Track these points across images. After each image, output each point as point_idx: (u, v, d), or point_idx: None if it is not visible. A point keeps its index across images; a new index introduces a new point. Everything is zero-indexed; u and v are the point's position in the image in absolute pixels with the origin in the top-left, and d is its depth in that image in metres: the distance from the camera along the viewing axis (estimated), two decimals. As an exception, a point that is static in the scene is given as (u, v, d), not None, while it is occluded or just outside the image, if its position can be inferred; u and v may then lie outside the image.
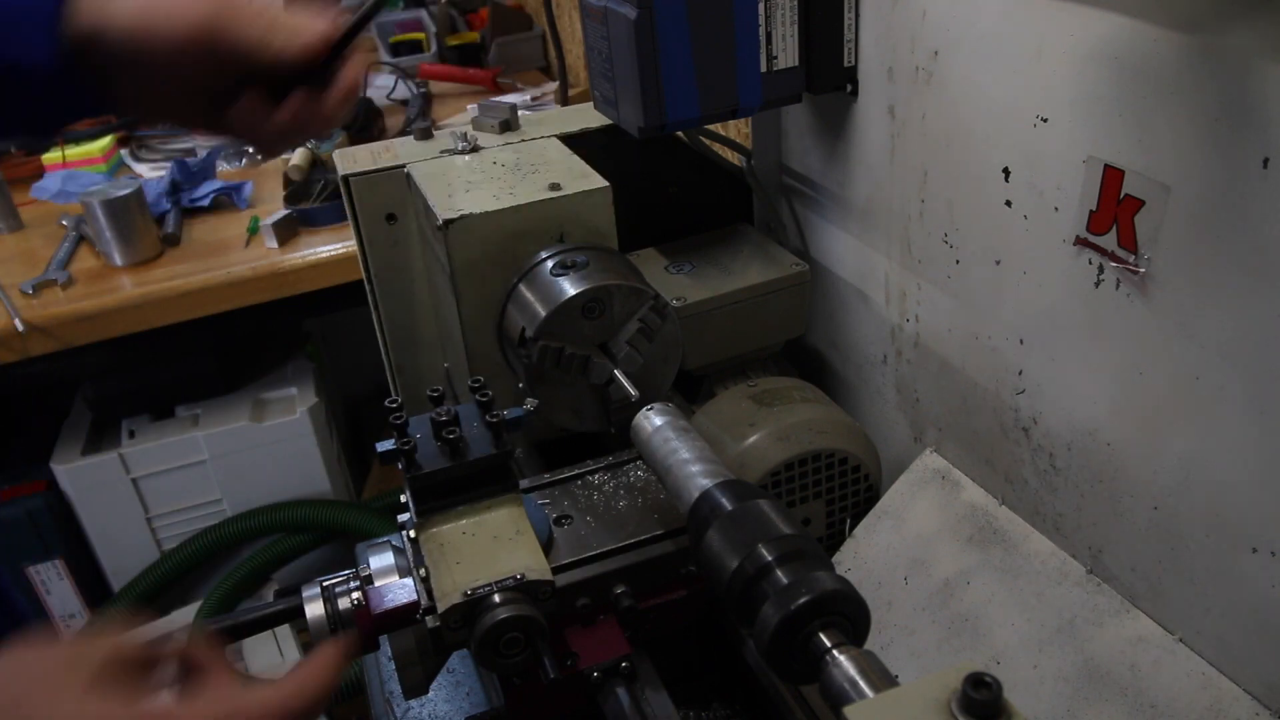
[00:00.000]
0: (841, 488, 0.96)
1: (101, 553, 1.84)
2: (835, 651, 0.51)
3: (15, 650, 0.52)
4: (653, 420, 0.73)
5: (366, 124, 2.09)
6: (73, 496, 1.77)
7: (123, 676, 0.53)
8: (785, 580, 0.55)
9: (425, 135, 1.08)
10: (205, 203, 1.86)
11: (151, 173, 2.04)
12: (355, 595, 0.70)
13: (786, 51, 0.91)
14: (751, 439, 0.92)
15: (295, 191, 1.81)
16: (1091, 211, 0.69)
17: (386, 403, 0.75)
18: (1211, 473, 0.65)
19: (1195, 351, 0.64)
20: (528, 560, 0.68)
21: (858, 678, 0.50)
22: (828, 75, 0.93)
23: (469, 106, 2.17)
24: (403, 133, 2.02)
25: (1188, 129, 0.60)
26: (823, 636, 0.52)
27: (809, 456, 0.92)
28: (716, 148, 1.14)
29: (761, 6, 0.88)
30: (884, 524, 0.93)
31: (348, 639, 0.66)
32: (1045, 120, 0.71)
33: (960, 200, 0.83)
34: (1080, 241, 0.70)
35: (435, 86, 2.43)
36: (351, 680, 1.69)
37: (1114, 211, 0.67)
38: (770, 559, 0.56)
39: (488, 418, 0.73)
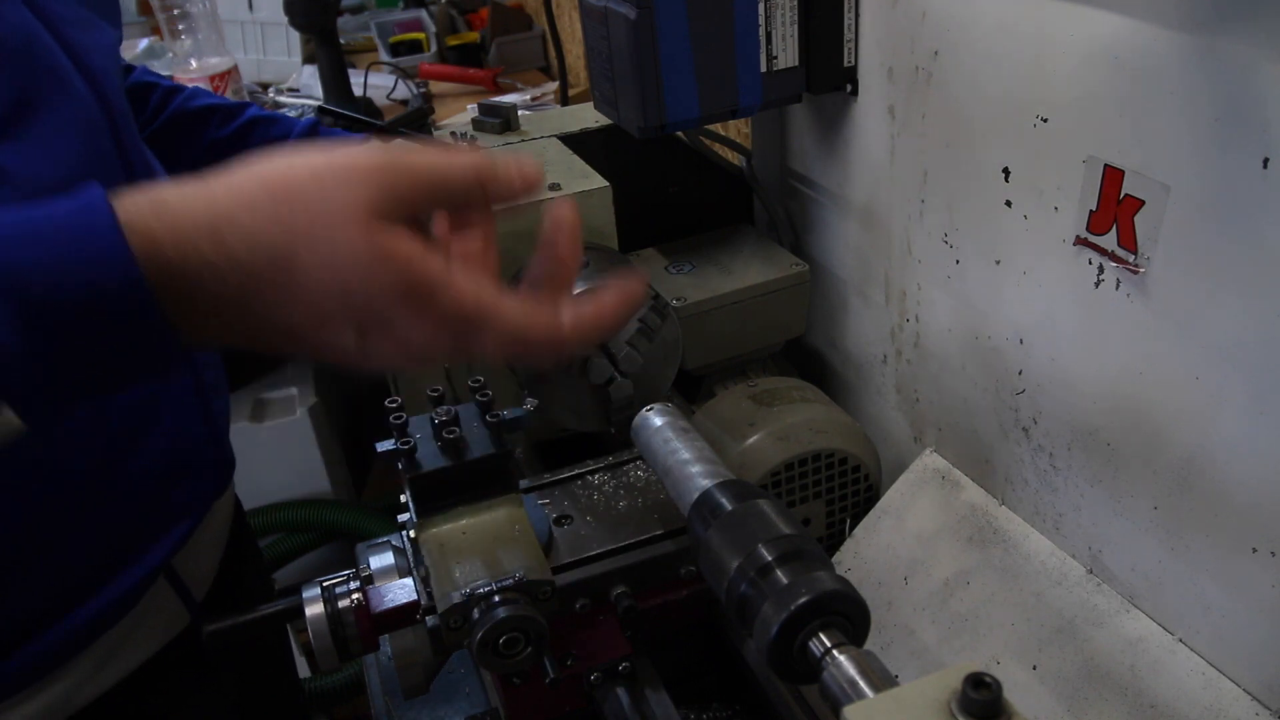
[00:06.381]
0: (841, 488, 0.96)
1: (102, 553, 1.84)
2: (835, 651, 0.51)
3: (289, 155, 0.44)
4: (653, 420, 0.73)
5: (366, 124, 2.09)
6: (73, 497, 1.77)
7: (402, 209, 0.45)
8: (785, 580, 0.55)
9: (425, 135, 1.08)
10: (205, 202, 1.86)
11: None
12: (355, 595, 0.70)
13: (786, 51, 0.91)
14: (751, 439, 0.92)
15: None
16: (1091, 211, 0.69)
17: (386, 403, 0.75)
18: (1211, 473, 0.65)
19: (1195, 351, 0.64)
20: (528, 560, 0.68)
21: (857, 678, 0.49)
22: (828, 75, 0.93)
23: (469, 106, 2.16)
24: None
25: (1188, 129, 0.60)
26: (823, 636, 0.52)
27: (809, 456, 0.92)
28: (716, 148, 1.14)
29: (761, 6, 0.88)
30: (884, 524, 0.93)
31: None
32: (1045, 120, 0.71)
33: (960, 200, 0.83)
34: (1080, 241, 0.70)
35: (435, 86, 2.43)
36: (351, 680, 1.69)
37: (1114, 211, 0.67)
38: (770, 559, 0.56)
39: (488, 418, 0.73)
